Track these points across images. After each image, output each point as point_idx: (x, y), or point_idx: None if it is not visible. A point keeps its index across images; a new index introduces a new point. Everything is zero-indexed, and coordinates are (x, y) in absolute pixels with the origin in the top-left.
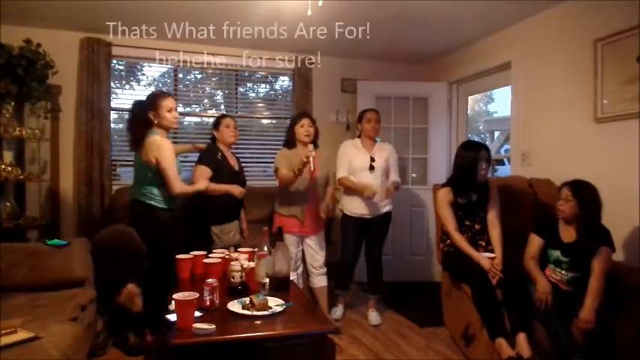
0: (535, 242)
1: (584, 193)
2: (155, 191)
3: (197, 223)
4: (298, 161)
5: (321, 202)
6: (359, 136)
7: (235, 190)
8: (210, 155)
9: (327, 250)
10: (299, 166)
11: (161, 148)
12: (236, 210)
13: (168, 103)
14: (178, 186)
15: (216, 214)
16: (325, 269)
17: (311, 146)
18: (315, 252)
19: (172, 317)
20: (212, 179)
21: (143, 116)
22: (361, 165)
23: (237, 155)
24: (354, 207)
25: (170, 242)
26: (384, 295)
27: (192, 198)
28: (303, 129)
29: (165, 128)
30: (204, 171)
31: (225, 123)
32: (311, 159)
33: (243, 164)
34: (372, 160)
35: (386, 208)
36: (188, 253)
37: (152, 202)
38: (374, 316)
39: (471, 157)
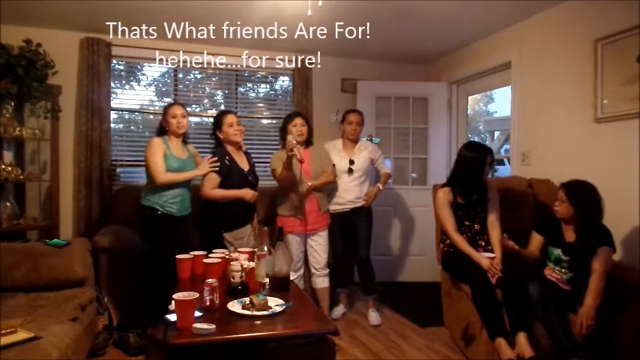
0: (535, 240)
1: (579, 195)
2: (148, 192)
3: (209, 231)
4: (294, 161)
5: (324, 199)
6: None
7: (246, 194)
8: (217, 161)
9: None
10: (286, 161)
11: (148, 146)
12: (248, 214)
13: (173, 110)
14: (160, 176)
15: (228, 221)
16: (327, 270)
17: (290, 137)
18: (317, 252)
19: (172, 317)
20: (221, 185)
21: (160, 124)
22: (340, 168)
23: (248, 150)
24: (335, 202)
25: (159, 242)
26: (380, 294)
27: (203, 206)
28: (296, 128)
29: (172, 133)
30: (213, 180)
31: (228, 122)
32: (295, 150)
33: None
34: (351, 162)
35: (359, 203)
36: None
37: (145, 203)
38: (374, 316)
39: (476, 158)
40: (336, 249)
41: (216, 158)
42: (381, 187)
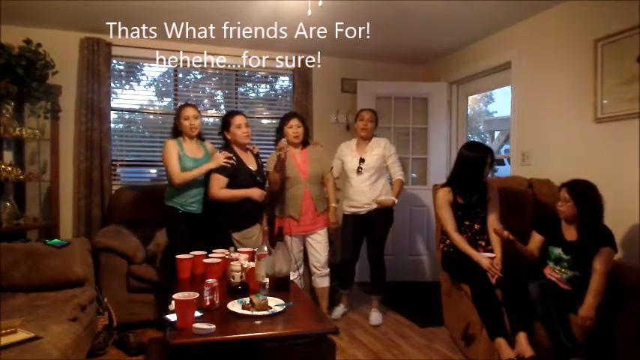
0: (535, 239)
1: (582, 194)
2: (170, 192)
3: (218, 231)
4: (290, 163)
5: (321, 200)
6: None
7: (255, 193)
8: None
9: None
10: (274, 163)
11: (164, 149)
12: (257, 213)
13: (185, 112)
14: (176, 177)
15: (236, 221)
16: (327, 270)
17: (283, 140)
18: (317, 252)
19: (172, 317)
20: (230, 185)
21: (174, 125)
22: (351, 167)
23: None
24: (349, 204)
25: (181, 240)
26: (385, 296)
27: (211, 206)
28: (292, 130)
29: (186, 135)
30: (220, 180)
31: (236, 123)
32: (283, 150)
33: None
34: (361, 161)
35: (374, 205)
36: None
37: (168, 203)
38: (375, 317)
39: (477, 158)
40: (344, 250)
41: (231, 155)
42: (395, 200)
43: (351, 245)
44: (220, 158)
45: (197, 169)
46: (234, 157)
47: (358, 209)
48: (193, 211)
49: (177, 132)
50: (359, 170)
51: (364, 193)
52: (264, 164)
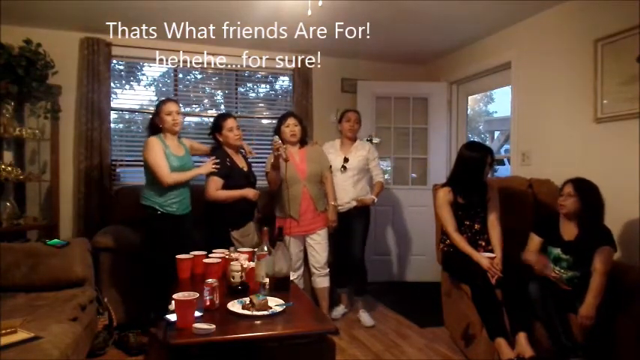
0: (534, 241)
1: (587, 190)
2: (148, 192)
3: (217, 230)
4: (288, 162)
5: (320, 199)
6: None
7: (249, 193)
8: (218, 163)
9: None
10: (273, 161)
11: (147, 147)
12: (251, 211)
13: (167, 107)
14: (167, 178)
15: (234, 219)
16: (327, 270)
17: (276, 137)
18: (317, 252)
19: (172, 317)
20: (225, 186)
21: (152, 122)
22: (335, 166)
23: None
24: None
25: (160, 242)
26: (379, 294)
27: (208, 206)
28: (289, 129)
29: (168, 131)
30: (217, 182)
31: (228, 126)
32: (282, 150)
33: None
34: (345, 160)
35: (353, 204)
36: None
37: (145, 203)
38: (365, 318)
39: (477, 158)
40: (336, 249)
41: (219, 160)
42: (375, 199)
43: (340, 244)
44: (209, 165)
45: (188, 172)
46: (227, 159)
47: (340, 207)
48: (173, 212)
49: (155, 129)
50: (343, 168)
51: (346, 191)
52: (253, 164)
